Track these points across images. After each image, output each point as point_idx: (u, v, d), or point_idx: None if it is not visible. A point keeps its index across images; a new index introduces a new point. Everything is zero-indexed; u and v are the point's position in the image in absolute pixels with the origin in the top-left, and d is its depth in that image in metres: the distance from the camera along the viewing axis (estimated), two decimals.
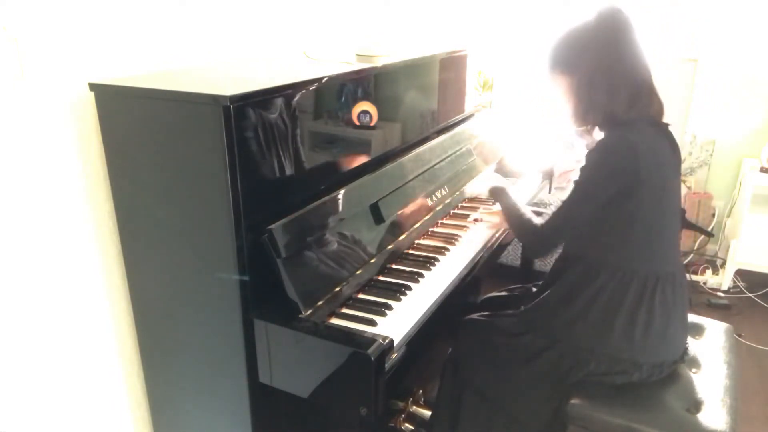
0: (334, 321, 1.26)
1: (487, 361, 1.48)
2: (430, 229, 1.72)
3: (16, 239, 1.25)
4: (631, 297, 1.33)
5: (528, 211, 1.51)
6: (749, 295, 2.82)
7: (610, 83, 1.30)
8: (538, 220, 1.45)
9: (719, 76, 2.98)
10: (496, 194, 1.64)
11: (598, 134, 1.38)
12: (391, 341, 1.16)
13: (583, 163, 1.33)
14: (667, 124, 1.37)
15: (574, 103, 1.37)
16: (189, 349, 1.41)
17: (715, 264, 3.01)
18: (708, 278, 2.92)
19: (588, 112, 1.35)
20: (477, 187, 1.86)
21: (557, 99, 1.42)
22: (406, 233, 1.59)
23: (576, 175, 1.35)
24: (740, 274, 2.90)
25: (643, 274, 1.33)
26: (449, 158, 1.90)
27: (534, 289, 1.59)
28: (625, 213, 1.31)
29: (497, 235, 1.73)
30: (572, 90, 1.36)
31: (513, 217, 1.54)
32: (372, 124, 1.54)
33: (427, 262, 1.52)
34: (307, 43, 1.97)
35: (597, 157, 1.30)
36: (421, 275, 1.45)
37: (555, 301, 1.42)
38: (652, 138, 1.31)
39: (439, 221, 1.78)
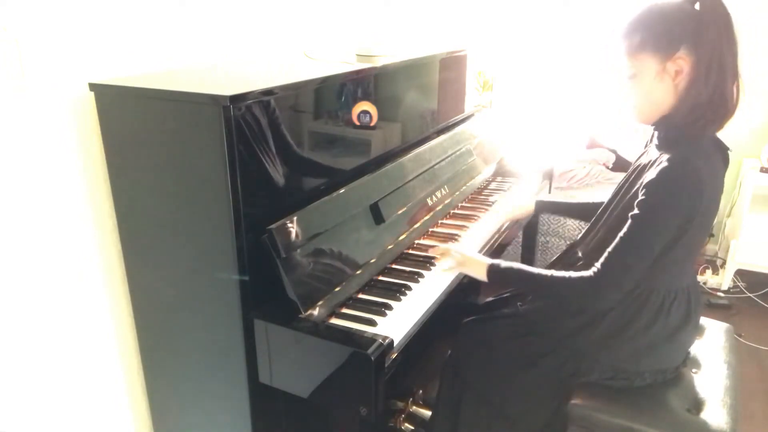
0: (334, 321, 1.26)
1: (487, 364, 1.47)
2: (430, 229, 1.72)
3: (16, 239, 1.25)
4: (646, 314, 1.29)
5: (548, 271, 1.28)
6: (749, 295, 2.82)
7: (723, 72, 1.14)
8: (577, 273, 1.23)
9: None
10: (498, 276, 1.35)
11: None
12: (391, 341, 1.16)
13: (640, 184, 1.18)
14: (727, 148, 1.25)
15: (679, 92, 1.16)
16: (189, 348, 1.41)
17: (715, 264, 3.01)
18: (708, 278, 2.92)
19: (695, 108, 1.14)
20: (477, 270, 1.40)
21: (636, 87, 1.21)
22: (406, 233, 1.59)
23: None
24: (740, 274, 2.90)
25: (662, 291, 1.28)
26: (449, 158, 1.90)
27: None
28: (670, 240, 1.20)
29: (497, 236, 1.73)
30: (688, 74, 1.15)
31: (541, 287, 1.31)
32: (372, 124, 1.54)
33: (427, 262, 1.52)
34: (307, 43, 1.97)
35: (665, 189, 1.15)
36: (421, 275, 1.45)
37: (562, 309, 1.38)
38: (714, 161, 1.20)
39: (439, 221, 1.78)
